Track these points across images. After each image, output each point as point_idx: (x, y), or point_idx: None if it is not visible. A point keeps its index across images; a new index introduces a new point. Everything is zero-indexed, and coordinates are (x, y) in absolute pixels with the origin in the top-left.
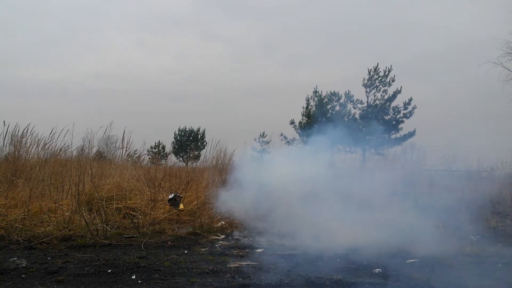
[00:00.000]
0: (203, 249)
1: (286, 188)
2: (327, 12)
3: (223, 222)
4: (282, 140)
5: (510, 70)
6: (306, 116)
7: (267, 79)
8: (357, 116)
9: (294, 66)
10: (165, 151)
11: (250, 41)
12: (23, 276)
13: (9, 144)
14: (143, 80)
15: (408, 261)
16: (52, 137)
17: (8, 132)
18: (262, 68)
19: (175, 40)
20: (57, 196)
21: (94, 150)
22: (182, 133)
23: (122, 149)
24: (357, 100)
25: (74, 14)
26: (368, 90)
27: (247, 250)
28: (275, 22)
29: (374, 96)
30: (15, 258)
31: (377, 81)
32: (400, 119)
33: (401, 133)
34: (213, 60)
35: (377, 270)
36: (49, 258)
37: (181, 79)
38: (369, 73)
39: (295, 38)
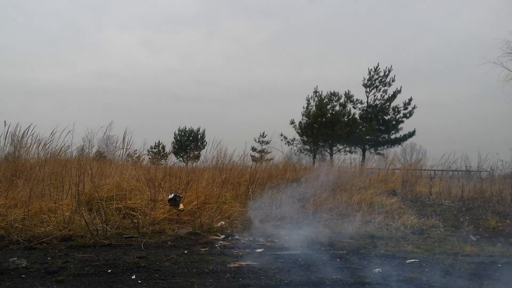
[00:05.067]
0: (203, 249)
1: None
2: (331, 11)
3: (223, 222)
4: (282, 140)
5: (510, 70)
6: (306, 116)
7: (269, 78)
8: (357, 116)
9: (296, 65)
10: (165, 151)
11: (254, 40)
12: (23, 276)
13: (10, 144)
14: (145, 80)
15: (408, 261)
16: (52, 137)
17: (8, 132)
18: (265, 68)
19: (179, 39)
20: (57, 196)
21: (94, 150)
22: (182, 133)
23: (122, 149)
24: (357, 100)
25: (76, 12)
26: (368, 90)
27: (247, 250)
28: (279, 21)
29: (374, 96)
30: (15, 258)
31: (377, 81)
32: (400, 119)
33: (401, 133)
34: (216, 59)
35: (377, 270)
36: (49, 258)
37: (183, 79)
38: (369, 73)
39: (299, 38)
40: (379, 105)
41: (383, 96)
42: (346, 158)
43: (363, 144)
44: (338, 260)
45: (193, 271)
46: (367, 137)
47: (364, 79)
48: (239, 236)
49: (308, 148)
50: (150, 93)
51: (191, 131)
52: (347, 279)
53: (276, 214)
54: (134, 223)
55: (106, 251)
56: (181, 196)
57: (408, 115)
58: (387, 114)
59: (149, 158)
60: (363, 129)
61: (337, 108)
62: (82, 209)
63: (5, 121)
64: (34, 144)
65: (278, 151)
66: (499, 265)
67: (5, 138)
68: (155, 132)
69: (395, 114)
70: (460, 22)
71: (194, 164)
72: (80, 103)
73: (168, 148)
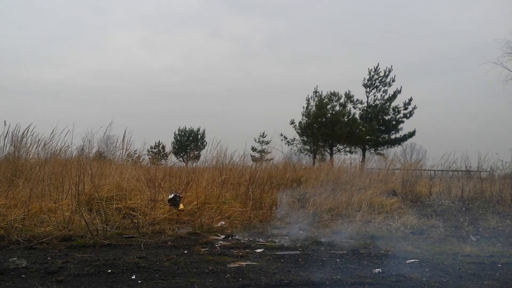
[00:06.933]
0: (203, 249)
1: None
2: (332, 11)
3: (223, 222)
4: (282, 140)
5: (510, 70)
6: (306, 116)
7: (269, 78)
8: (357, 116)
9: (297, 65)
10: (165, 151)
11: (255, 39)
12: (23, 276)
13: (10, 144)
14: (145, 79)
15: (408, 261)
16: (52, 137)
17: (8, 132)
18: (265, 67)
19: (179, 38)
20: (57, 196)
21: (94, 150)
22: (182, 133)
23: (122, 149)
24: (357, 100)
25: (76, 11)
26: (368, 90)
27: (247, 250)
28: (280, 21)
29: (374, 96)
30: (15, 258)
31: (377, 81)
32: (400, 119)
33: (401, 133)
34: (217, 59)
35: (377, 270)
36: (49, 258)
37: (183, 78)
38: (369, 73)
39: (299, 37)
40: (379, 105)
41: (383, 96)
42: (346, 158)
43: (363, 144)
44: (338, 260)
45: (193, 271)
46: (367, 137)
47: (364, 79)
48: (239, 236)
49: (308, 148)
50: (150, 93)
51: (191, 131)
52: (347, 279)
53: (276, 214)
54: (134, 223)
55: (106, 251)
56: (181, 196)
57: (408, 115)
58: (387, 114)
59: (149, 158)
60: (363, 129)
61: (337, 108)
62: (82, 209)
63: (5, 121)
64: (34, 144)
65: (278, 151)
66: (499, 265)
67: (5, 138)
68: (155, 132)
69: (395, 114)
70: (461, 22)
71: (194, 164)
72: (80, 103)
73: (168, 148)
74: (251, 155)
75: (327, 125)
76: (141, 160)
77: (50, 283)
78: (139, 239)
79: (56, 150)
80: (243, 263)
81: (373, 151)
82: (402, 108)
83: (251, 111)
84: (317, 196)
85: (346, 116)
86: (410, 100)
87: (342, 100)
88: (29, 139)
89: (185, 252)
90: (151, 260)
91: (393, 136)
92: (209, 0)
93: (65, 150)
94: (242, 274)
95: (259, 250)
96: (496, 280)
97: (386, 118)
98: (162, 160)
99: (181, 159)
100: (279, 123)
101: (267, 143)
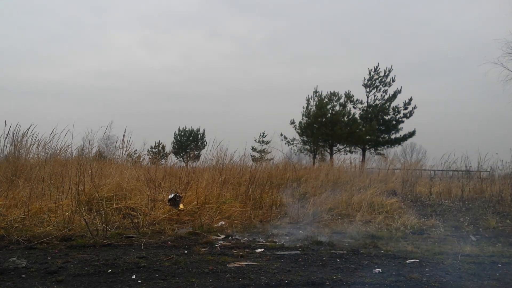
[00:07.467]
0: (203, 249)
1: None
2: (332, 11)
3: (223, 222)
4: (282, 140)
5: (510, 70)
6: (306, 116)
7: (269, 78)
8: (357, 116)
9: (297, 65)
10: (165, 151)
11: (255, 39)
12: (23, 276)
13: (10, 144)
14: (146, 80)
15: (408, 261)
16: (52, 137)
17: (9, 132)
18: (265, 67)
19: (179, 38)
20: (57, 196)
21: (94, 150)
22: (182, 133)
23: (122, 149)
24: (357, 100)
25: (77, 11)
26: (368, 90)
27: (247, 250)
28: (280, 21)
29: (374, 96)
30: (15, 258)
31: (377, 81)
32: (400, 119)
33: (401, 133)
34: (217, 59)
35: (377, 270)
36: (49, 258)
37: (183, 78)
38: (369, 73)
39: (299, 37)
40: (379, 105)
41: (383, 96)
42: (346, 158)
43: (363, 144)
44: (338, 260)
45: (193, 271)
46: (367, 137)
47: (364, 79)
48: (239, 236)
49: (308, 148)
50: (150, 93)
51: (191, 131)
52: (347, 279)
53: (276, 214)
54: (134, 223)
55: (106, 251)
56: (181, 196)
57: (408, 115)
58: (387, 114)
59: (149, 158)
60: (363, 129)
61: (337, 108)
62: (82, 209)
63: (5, 121)
64: (34, 144)
65: (278, 151)
66: (499, 265)
67: (5, 138)
68: (155, 132)
69: (395, 114)
70: (461, 22)
71: (194, 164)
72: (80, 103)
73: (168, 148)
74: (251, 155)
75: (327, 125)
76: (141, 160)
77: (50, 283)
78: (139, 239)
79: (56, 150)
80: (243, 263)
81: (373, 151)
82: (402, 108)
83: (251, 111)
84: (317, 196)
85: (346, 116)
86: (410, 100)
87: (342, 100)
88: (29, 139)
89: (185, 252)
90: (151, 260)
91: (393, 136)
92: (209, 0)
93: (65, 150)
94: (242, 274)
95: (259, 250)
96: (496, 280)
97: (386, 118)
98: (162, 160)
99: (181, 159)
100: (279, 123)
101: (267, 143)
